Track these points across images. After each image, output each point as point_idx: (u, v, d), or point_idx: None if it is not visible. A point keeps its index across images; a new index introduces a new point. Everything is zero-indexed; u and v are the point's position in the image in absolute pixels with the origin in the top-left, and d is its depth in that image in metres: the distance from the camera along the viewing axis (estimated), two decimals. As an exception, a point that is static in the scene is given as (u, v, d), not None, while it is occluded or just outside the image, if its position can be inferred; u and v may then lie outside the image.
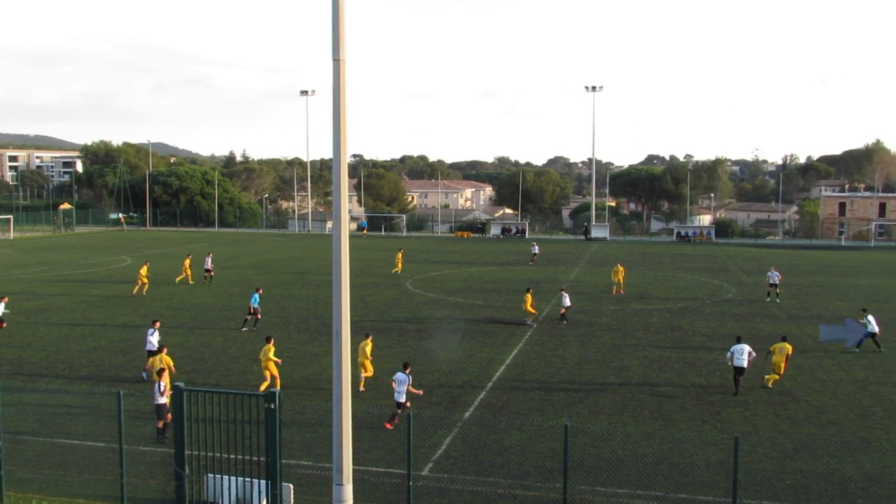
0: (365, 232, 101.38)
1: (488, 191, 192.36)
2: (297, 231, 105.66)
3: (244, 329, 33.89)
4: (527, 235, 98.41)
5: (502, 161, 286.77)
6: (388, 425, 20.67)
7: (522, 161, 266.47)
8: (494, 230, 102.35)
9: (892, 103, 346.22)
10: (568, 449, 15.02)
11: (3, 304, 33.51)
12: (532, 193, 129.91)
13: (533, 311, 35.96)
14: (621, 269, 47.96)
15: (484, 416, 22.11)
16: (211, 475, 15.04)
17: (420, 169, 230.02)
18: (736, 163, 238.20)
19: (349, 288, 13.62)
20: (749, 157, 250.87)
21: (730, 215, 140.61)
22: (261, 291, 36.24)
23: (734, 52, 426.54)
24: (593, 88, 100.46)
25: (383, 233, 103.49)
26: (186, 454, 14.54)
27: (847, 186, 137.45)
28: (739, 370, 24.23)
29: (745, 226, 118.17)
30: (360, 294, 43.70)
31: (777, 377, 25.24)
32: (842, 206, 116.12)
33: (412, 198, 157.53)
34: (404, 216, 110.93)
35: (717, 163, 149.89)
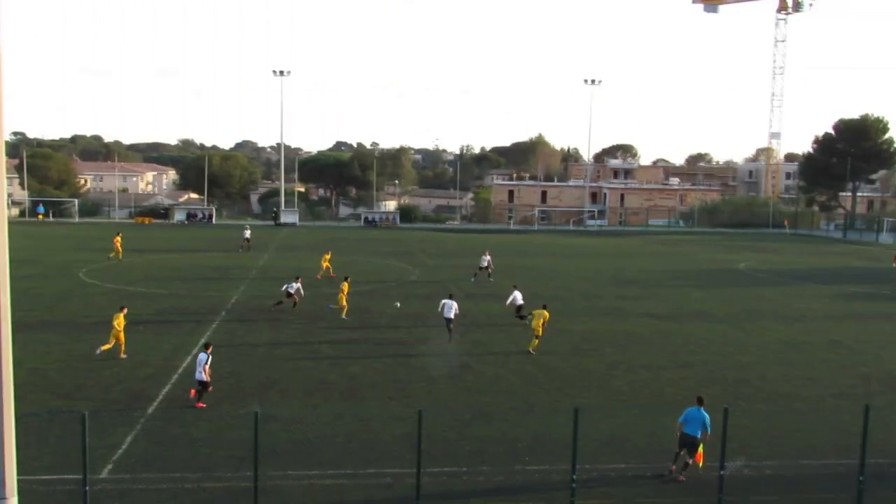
0: (41, 217, 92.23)
1: (172, 174, 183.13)
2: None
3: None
4: (214, 221, 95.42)
5: (187, 144, 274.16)
6: (199, 405, 21.23)
7: (208, 144, 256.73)
8: (179, 216, 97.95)
9: (551, 102, 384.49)
10: (258, 436, 14.86)
11: None
12: (219, 178, 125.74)
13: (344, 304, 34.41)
14: (328, 256, 48.76)
15: (169, 409, 21.13)
16: None
17: (94, 150, 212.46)
18: (419, 151, 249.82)
19: (9, 280, 12.25)
20: (430, 147, 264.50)
21: (413, 201, 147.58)
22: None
23: (415, 45, 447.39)
24: (281, 73, 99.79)
25: (52, 219, 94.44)
26: None
27: (515, 176, 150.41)
28: (448, 320, 29.60)
29: (427, 211, 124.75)
30: (24, 287, 39.52)
31: (537, 341, 28.63)
32: (511, 193, 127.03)
33: (85, 181, 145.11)
34: (76, 201, 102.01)
35: (402, 151, 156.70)
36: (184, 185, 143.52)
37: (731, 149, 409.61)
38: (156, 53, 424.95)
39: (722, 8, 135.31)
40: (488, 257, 48.32)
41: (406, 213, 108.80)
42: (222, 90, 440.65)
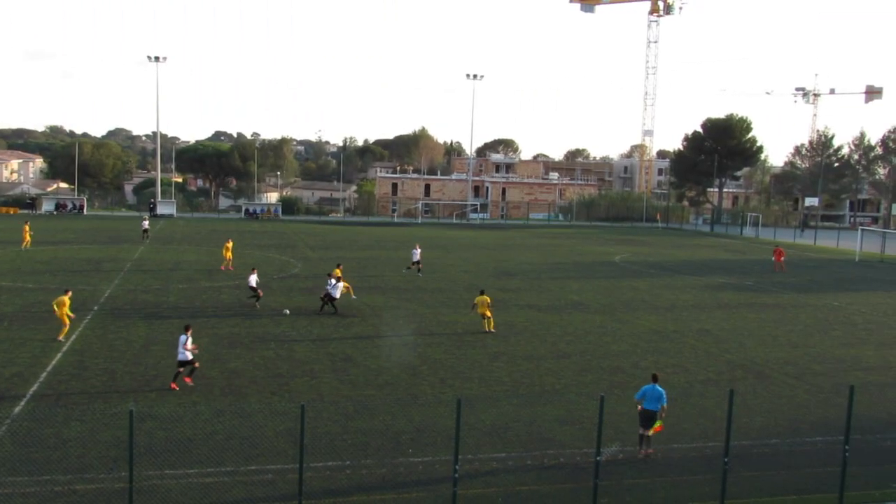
0: None
1: (39, 162, 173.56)
2: None
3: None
4: (85, 211, 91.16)
5: (55, 130, 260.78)
6: (173, 385, 22.07)
7: (79, 131, 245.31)
8: (47, 206, 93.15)
9: (434, 96, 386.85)
10: (133, 435, 14.32)
11: None
12: (90, 167, 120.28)
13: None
14: (230, 245, 48.24)
15: (38, 408, 20.07)
16: None
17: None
18: (301, 143, 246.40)
19: None
20: (313, 138, 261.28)
21: (295, 193, 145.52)
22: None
23: (298, 35, 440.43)
24: (157, 59, 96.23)
25: None
26: None
27: (398, 168, 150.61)
28: (330, 297, 33.13)
29: (309, 203, 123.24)
30: None
31: (493, 321, 31.24)
32: (395, 186, 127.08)
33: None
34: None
35: (283, 142, 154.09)
36: (52, 173, 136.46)
37: (607, 145, 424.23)
38: (23, 34, 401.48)
39: (598, 8, 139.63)
40: (419, 251, 48.12)
41: (288, 205, 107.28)
42: (94, 75, 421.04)
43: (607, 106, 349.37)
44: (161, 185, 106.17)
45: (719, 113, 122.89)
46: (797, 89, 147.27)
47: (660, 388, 18.51)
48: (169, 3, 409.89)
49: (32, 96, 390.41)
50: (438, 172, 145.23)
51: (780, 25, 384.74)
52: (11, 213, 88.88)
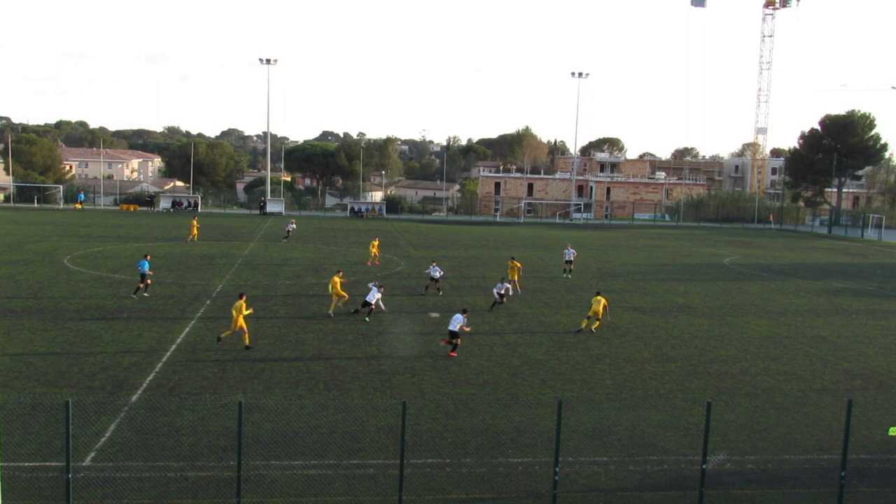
0: (79, 206, 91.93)
1: (157, 162, 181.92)
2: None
3: (134, 296, 34.54)
4: (199, 209, 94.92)
5: (172, 131, 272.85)
6: (452, 353, 26.08)
7: (194, 132, 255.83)
8: (164, 203, 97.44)
9: (538, 95, 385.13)
10: (242, 425, 14.82)
11: None
12: (205, 166, 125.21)
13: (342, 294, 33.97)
14: (377, 242, 50.98)
15: (153, 397, 21.04)
16: None
17: (79, 136, 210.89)
18: (405, 142, 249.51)
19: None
20: (417, 138, 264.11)
21: (399, 192, 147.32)
22: (149, 257, 36.70)
23: (403, 37, 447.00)
24: (268, 61, 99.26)
25: (36, 205, 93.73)
26: None
27: (501, 168, 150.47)
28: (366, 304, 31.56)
29: (413, 202, 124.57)
30: (7, 273, 39.28)
31: (598, 322, 31.07)
32: (497, 185, 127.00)
33: (70, 167, 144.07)
34: (61, 187, 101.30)
35: (388, 141, 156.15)
36: (169, 172, 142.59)
37: (717, 144, 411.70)
38: (143, 39, 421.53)
39: (710, 3, 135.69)
40: (573, 251, 48.46)
41: (392, 204, 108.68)
42: (209, 77, 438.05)
43: (718, 103, 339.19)
44: (270, 184, 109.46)
45: (839, 109, 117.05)
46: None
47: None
48: (280, 6, 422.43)
49: (152, 98, 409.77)
50: (542, 172, 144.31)
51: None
52: (132, 210, 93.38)
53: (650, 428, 20.11)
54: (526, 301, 38.04)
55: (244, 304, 26.49)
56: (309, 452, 17.48)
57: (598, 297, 31.21)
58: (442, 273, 40.28)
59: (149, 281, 35.55)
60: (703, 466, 15.31)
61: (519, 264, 36.13)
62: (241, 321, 26.20)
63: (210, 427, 18.94)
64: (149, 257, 36.65)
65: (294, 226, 67.89)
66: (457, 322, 26.34)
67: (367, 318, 31.75)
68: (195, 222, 62.69)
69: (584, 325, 31.40)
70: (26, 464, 16.17)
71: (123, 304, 33.30)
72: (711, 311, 37.35)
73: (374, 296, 32.28)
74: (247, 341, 26.64)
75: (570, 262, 47.65)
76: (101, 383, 22.15)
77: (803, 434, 20.13)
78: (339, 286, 32.87)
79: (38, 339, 26.74)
